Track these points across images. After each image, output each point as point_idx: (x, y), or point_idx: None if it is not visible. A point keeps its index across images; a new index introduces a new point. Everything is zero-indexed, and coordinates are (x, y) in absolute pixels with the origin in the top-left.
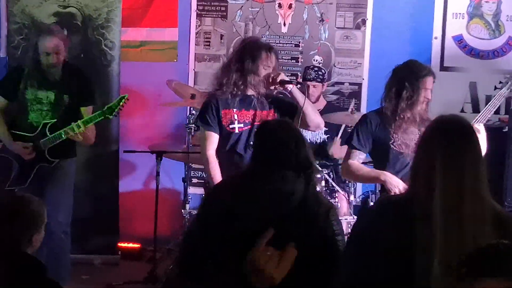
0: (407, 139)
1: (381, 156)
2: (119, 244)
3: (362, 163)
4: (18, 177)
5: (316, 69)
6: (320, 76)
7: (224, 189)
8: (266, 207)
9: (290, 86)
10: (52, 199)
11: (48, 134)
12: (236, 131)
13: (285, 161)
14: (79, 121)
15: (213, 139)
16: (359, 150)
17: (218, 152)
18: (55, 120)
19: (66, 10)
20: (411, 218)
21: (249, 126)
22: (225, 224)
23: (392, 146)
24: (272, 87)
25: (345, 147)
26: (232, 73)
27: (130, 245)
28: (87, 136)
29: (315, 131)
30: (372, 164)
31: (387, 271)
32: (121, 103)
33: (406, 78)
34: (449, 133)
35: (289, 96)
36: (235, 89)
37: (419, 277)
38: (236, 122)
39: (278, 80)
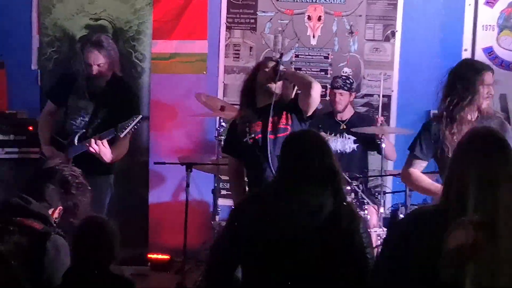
0: None
1: (444, 162)
2: (149, 255)
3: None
4: None
5: (344, 77)
6: (348, 85)
7: (251, 203)
8: (294, 221)
9: (281, 67)
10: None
11: (76, 144)
12: (250, 142)
13: (311, 174)
14: (94, 136)
15: (233, 165)
16: (420, 159)
17: (246, 168)
18: (84, 130)
19: (98, 23)
20: (444, 230)
21: (259, 135)
22: (253, 238)
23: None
24: (273, 82)
25: None
26: (244, 92)
27: (160, 256)
28: (103, 151)
29: (309, 99)
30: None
31: (418, 284)
32: (133, 124)
33: (464, 76)
34: (483, 146)
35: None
36: (248, 106)
37: None
38: (247, 134)
39: (270, 69)
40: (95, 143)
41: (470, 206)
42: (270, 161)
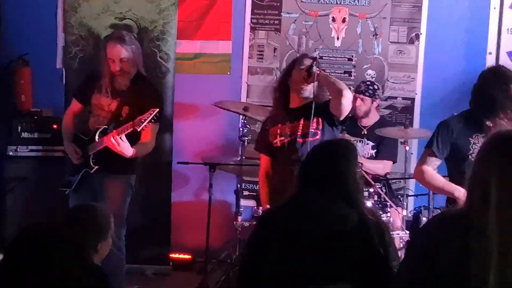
0: None
1: (458, 167)
2: (171, 255)
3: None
4: (69, 180)
5: (368, 83)
6: (370, 91)
7: (280, 210)
8: (320, 227)
9: (314, 68)
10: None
11: (96, 140)
12: (278, 144)
13: (338, 182)
14: (114, 132)
15: (264, 162)
16: (436, 156)
17: (272, 169)
18: (105, 127)
19: (123, 22)
20: (467, 233)
21: (288, 138)
22: (281, 245)
23: (470, 157)
24: (306, 82)
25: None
26: (277, 90)
27: (182, 256)
28: (122, 145)
29: (341, 106)
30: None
31: (442, 285)
32: (150, 117)
33: (489, 84)
34: (507, 148)
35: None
36: (280, 105)
37: None
38: (278, 136)
39: (304, 69)
40: (113, 137)
41: (493, 210)
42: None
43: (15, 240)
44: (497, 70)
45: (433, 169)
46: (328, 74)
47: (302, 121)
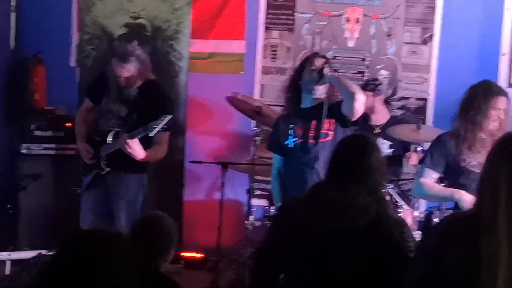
0: (481, 159)
1: (455, 178)
2: (182, 253)
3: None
4: (80, 179)
5: (371, 78)
6: (370, 85)
7: (296, 203)
8: (339, 221)
9: (326, 70)
10: (118, 212)
11: (108, 142)
12: (291, 145)
13: (359, 176)
14: (125, 135)
15: (277, 161)
16: (431, 169)
17: (284, 169)
18: (118, 129)
19: (137, 21)
20: (477, 235)
21: (301, 140)
22: (298, 239)
23: (465, 167)
24: (317, 84)
25: None
26: (288, 89)
27: (193, 254)
28: (134, 149)
29: (354, 109)
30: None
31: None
32: (162, 123)
33: (476, 97)
34: None
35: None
36: (291, 104)
37: None
38: (290, 137)
39: (315, 69)
40: (126, 141)
41: (502, 212)
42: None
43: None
44: (483, 83)
45: (431, 181)
46: (340, 76)
47: (314, 122)
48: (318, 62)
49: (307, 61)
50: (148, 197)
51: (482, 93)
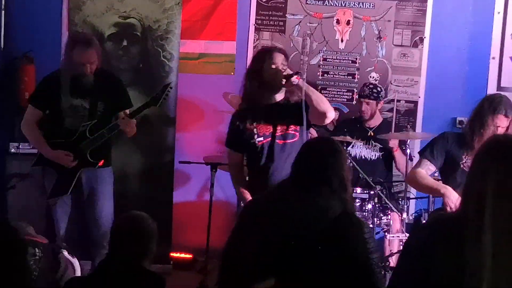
0: None
1: (450, 174)
2: (172, 254)
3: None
4: (59, 186)
5: (371, 86)
6: (374, 94)
7: (259, 204)
8: (301, 221)
9: (295, 80)
10: (95, 209)
11: (89, 136)
12: (257, 145)
13: (323, 179)
14: (127, 111)
15: (236, 159)
16: (429, 161)
17: (248, 167)
18: (95, 121)
19: (127, 21)
20: (461, 238)
21: (268, 139)
22: (261, 239)
23: (462, 166)
24: (282, 86)
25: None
26: (247, 85)
27: (182, 255)
28: (134, 127)
29: (323, 123)
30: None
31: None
32: (165, 92)
33: (482, 110)
34: (502, 153)
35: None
36: (253, 101)
37: None
38: (256, 136)
39: (283, 75)
40: (128, 120)
41: (488, 215)
42: (275, 166)
43: None
44: (493, 99)
45: (426, 172)
46: (310, 88)
47: (280, 122)
48: (278, 59)
49: (267, 56)
50: (137, 197)
51: (487, 108)
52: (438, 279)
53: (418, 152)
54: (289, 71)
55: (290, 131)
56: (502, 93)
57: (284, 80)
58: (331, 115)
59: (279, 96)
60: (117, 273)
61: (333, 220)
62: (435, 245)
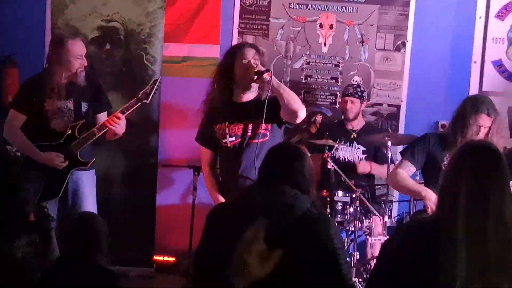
0: None
1: (432, 176)
2: (155, 257)
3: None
4: (50, 189)
5: (355, 85)
6: (358, 93)
7: (227, 207)
8: (269, 219)
9: (266, 76)
10: (78, 211)
11: (78, 136)
12: (228, 145)
13: (289, 179)
14: (117, 111)
15: (207, 155)
16: (411, 163)
17: (221, 168)
18: (84, 120)
19: (110, 24)
20: (437, 240)
21: (239, 139)
22: (229, 241)
23: (443, 167)
24: (253, 83)
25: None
26: (217, 83)
27: (166, 258)
28: (122, 125)
29: (295, 122)
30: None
31: None
32: (155, 86)
33: (465, 110)
34: (477, 158)
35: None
36: (224, 99)
37: None
38: (227, 136)
39: (255, 71)
40: (118, 117)
41: (461, 216)
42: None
43: None
44: (476, 99)
45: (407, 173)
46: (282, 85)
47: (251, 121)
48: (249, 54)
49: (238, 52)
50: (121, 200)
51: (470, 108)
52: (414, 280)
53: (400, 152)
54: (261, 68)
55: (261, 131)
56: None
57: (255, 77)
58: (302, 113)
59: (251, 94)
60: (71, 270)
61: (300, 217)
62: (411, 247)
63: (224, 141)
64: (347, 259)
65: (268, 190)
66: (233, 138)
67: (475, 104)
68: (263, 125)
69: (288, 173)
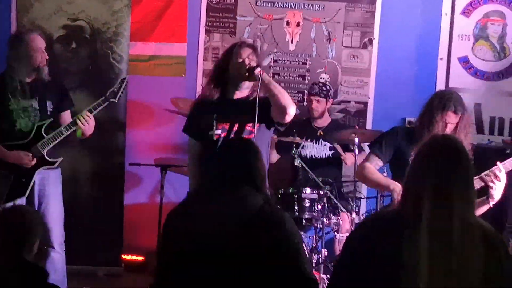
0: None
1: (399, 170)
2: (123, 256)
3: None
4: (16, 188)
5: (320, 84)
6: (324, 92)
7: (183, 208)
8: (220, 221)
9: (258, 73)
10: (45, 210)
11: (45, 135)
12: (214, 138)
13: (238, 175)
14: (84, 111)
15: (196, 147)
16: (378, 157)
17: (204, 159)
18: (51, 119)
19: (75, 23)
20: (399, 235)
21: (225, 133)
22: (186, 244)
23: (410, 161)
24: (245, 79)
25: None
26: (213, 77)
27: (134, 257)
28: (92, 124)
29: (284, 120)
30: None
31: (375, 284)
32: (123, 86)
33: (432, 106)
34: (440, 154)
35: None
36: (216, 93)
37: None
38: (214, 128)
39: (246, 67)
40: (88, 117)
41: (425, 214)
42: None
43: None
44: (443, 95)
45: (374, 167)
46: (272, 81)
47: (240, 118)
48: (245, 53)
49: (234, 50)
50: (88, 200)
51: (436, 105)
52: (377, 275)
53: (368, 145)
54: (252, 64)
55: (247, 127)
56: None
57: (247, 73)
58: (292, 111)
59: (244, 92)
60: None
61: (256, 213)
62: (373, 241)
63: (210, 132)
64: (306, 253)
65: (221, 190)
66: (219, 131)
67: (441, 101)
68: (250, 124)
69: (241, 170)
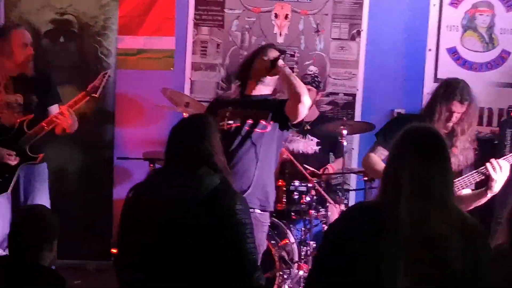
0: None
1: None
2: (113, 250)
3: None
4: None
5: (312, 75)
6: (316, 82)
7: (138, 191)
8: (174, 202)
9: (281, 64)
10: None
11: (27, 131)
12: (225, 128)
13: (188, 156)
14: (65, 106)
15: None
16: (382, 146)
17: None
18: (33, 115)
19: (63, 17)
20: (378, 226)
21: (238, 124)
22: (142, 226)
23: None
24: (268, 74)
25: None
26: (237, 74)
27: None
28: (74, 121)
29: (297, 112)
30: None
31: (355, 273)
32: (104, 80)
33: (437, 96)
34: (419, 143)
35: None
36: (238, 89)
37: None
38: (226, 119)
39: (271, 59)
40: (64, 111)
41: (403, 204)
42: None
43: None
44: (449, 84)
45: (379, 157)
46: (291, 73)
47: (255, 113)
48: (272, 54)
49: (261, 50)
50: (77, 194)
51: (442, 94)
52: (356, 265)
53: (375, 134)
54: (275, 55)
55: (261, 122)
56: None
57: (270, 65)
58: (306, 100)
59: (265, 88)
60: (14, 270)
61: (210, 191)
62: (353, 230)
63: (222, 123)
64: (253, 233)
65: (181, 171)
66: (231, 121)
67: (447, 91)
68: (264, 120)
69: (194, 150)
